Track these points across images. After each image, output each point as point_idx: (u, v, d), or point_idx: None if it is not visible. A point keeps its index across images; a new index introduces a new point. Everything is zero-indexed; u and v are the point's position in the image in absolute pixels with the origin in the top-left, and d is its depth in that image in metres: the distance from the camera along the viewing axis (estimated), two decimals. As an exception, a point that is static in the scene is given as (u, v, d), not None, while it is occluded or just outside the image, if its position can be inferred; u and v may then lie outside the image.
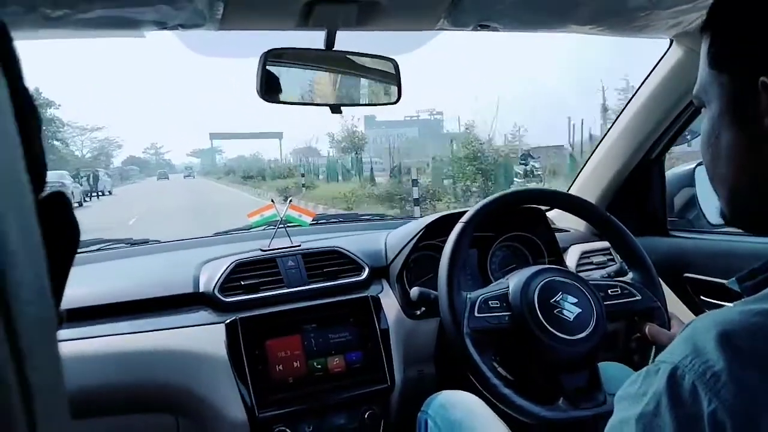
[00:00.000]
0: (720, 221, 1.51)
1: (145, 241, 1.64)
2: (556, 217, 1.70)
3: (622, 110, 1.54)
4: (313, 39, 0.95)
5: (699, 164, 1.60)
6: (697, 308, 1.48)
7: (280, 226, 1.44)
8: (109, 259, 1.50)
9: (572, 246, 1.62)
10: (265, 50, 0.90)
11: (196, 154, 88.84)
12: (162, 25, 0.86)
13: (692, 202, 1.62)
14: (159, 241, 1.68)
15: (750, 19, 0.51)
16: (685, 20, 1.06)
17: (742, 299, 0.51)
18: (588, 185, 1.67)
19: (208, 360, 1.19)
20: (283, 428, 1.21)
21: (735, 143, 0.53)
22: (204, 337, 1.22)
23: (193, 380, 1.19)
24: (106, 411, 1.17)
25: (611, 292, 1.16)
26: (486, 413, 1.08)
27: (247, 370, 1.19)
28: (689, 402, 0.43)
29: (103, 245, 1.57)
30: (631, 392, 0.49)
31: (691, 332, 0.47)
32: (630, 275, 1.20)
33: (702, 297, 1.47)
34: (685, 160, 1.72)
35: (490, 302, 1.08)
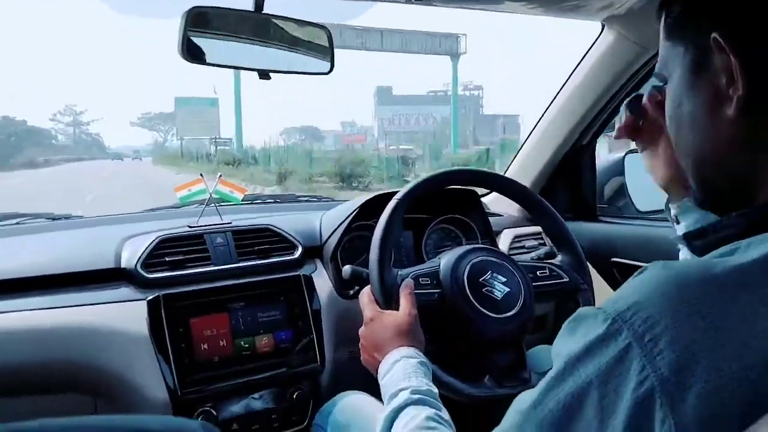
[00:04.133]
0: (648, 208, 1.58)
1: (68, 216, 1.56)
2: (491, 201, 1.72)
3: (556, 94, 1.56)
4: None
5: (629, 152, 1.65)
6: (622, 291, 1.53)
7: (210, 204, 1.39)
8: (27, 233, 1.41)
9: (505, 230, 1.64)
10: (188, 8, 0.85)
11: (147, 123, 70.28)
12: None
13: (621, 189, 1.67)
14: (82, 217, 1.59)
15: None
16: (615, 2, 1.08)
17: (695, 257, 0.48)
18: (522, 169, 1.70)
19: (128, 338, 1.14)
20: (208, 409, 1.17)
21: (695, 105, 0.52)
22: (125, 314, 1.16)
23: (111, 359, 1.13)
24: (19, 391, 1.11)
25: (540, 273, 1.17)
26: (377, 411, 1.08)
27: (169, 348, 1.14)
28: (620, 361, 0.40)
29: (21, 219, 1.48)
30: (568, 328, 0.46)
31: (640, 280, 0.44)
32: (559, 257, 1.22)
33: (628, 281, 1.51)
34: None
35: (420, 279, 1.08)
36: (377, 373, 0.91)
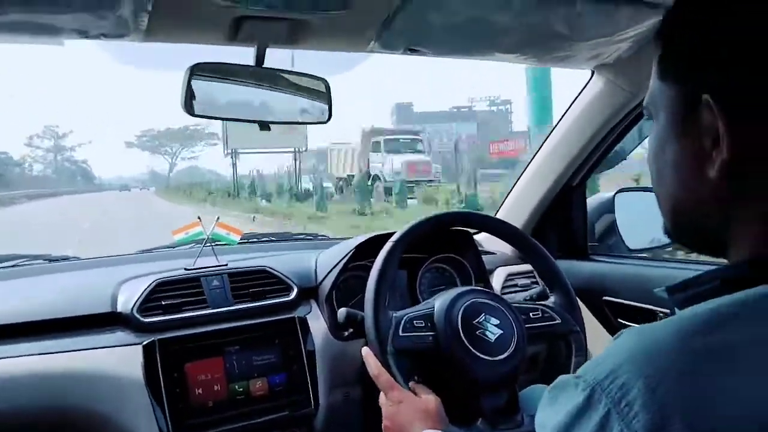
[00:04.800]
0: (638, 246, 1.60)
1: (65, 258, 1.56)
2: (484, 239, 1.74)
3: (547, 137, 1.60)
4: (243, 53, 0.95)
5: (619, 191, 1.68)
6: (615, 330, 1.54)
7: (207, 244, 1.40)
8: (23, 276, 1.41)
9: (498, 268, 1.66)
10: (192, 64, 0.88)
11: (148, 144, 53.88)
12: (83, 34, 0.83)
13: (612, 228, 1.69)
14: (79, 258, 1.60)
15: (699, 35, 0.51)
16: (604, 52, 1.12)
17: (670, 315, 0.49)
18: (514, 209, 1.72)
19: (123, 383, 1.14)
20: None
21: (678, 157, 0.53)
22: (120, 359, 1.16)
23: (106, 404, 1.13)
24: None
25: (533, 315, 1.19)
26: None
27: (164, 393, 1.14)
28: (602, 429, 0.42)
29: (19, 261, 1.48)
30: (550, 398, 0.48)
31: (615, 348, 0.46)
32: (551, 299, 1.24)
33: (620, 320, 1.53)
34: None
35: (414, 322, 1.09)
36: None
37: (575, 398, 0.44)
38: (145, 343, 1.17)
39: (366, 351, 1.03)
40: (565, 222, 1.70)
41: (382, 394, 1.00)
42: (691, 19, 0.52)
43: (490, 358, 1.06)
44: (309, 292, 1.42)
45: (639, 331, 0.46)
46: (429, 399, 0.96)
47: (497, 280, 1.63)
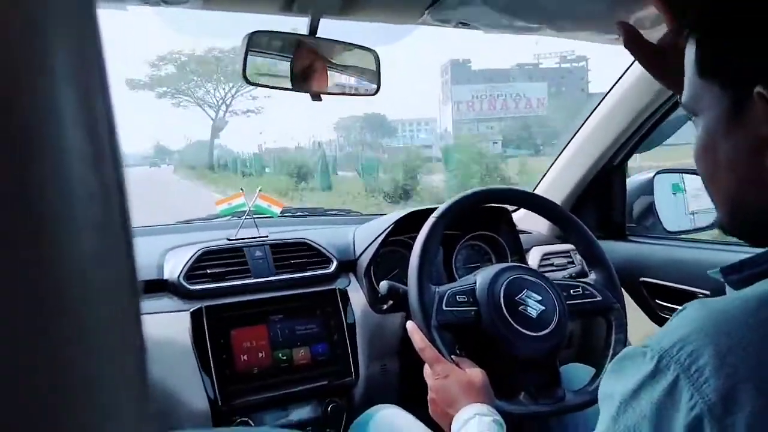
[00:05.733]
0: (676, 228, 1.59)
1: None
2: (520, 218, 1.73)
3: (588, 116, 1.58)
4: (296, 26, 0.95)
5: (658, 173, 1.66)
6: (652, 311, 1.54)
7: (247, 216, 1.42)
8: None
9: (534, 247, 1.66)
10: (249, 32, 0.89)
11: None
12: (145, 0, 0.84)
13: (650, 209, 1.68)
14: None
15: (745, 26, 0.50)
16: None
17: (733, 292, 0.50)
18: (553, 188, 1.71)
19: (171, 347, 1.17)
20: (245, 419, 1.19)
21: (735, 153, 0.52)
22: (168, 324, 1.19)
23: (154, 368, 1.15)
24: None
25: (573, 291, 1.19)
26: (410, 424, 1.09)
27: (211, 359, 1.17)
28: (670, 394, 0.43)
29: None
30: (617, 369, 0.49)
31: (681, 319, 0.46)
32: (591, 276, 1.24)
33: (657, 300, 1.52)
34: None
35: (457, 297, 1.09)
36: (449, 429, 0.91)
37: (643, 366, 0.45)
38: (192, 309, 1.20)
39: (411, 325, 1.04)
40: (604, 202, 1.69)
41: (426, 367, 1.01)
42: (735, 11, 0.51)
43: (532, 334, 1.07)
44: (348, 265, 1.44)
45: (704, 303, 0.47)
46: (475, 372, 0.97)
47: (533, 259, 1.63)
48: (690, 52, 0.55)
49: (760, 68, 0.48)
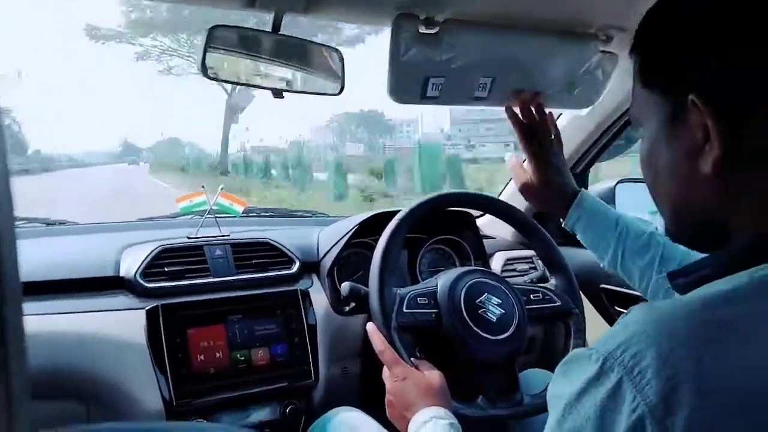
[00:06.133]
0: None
1: (63, 222, 1.56)
2: (484, 224, 1.75)
3: (553, 124, 1.60)
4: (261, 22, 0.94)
5: (620, 181, 1.69)
6: (611, 318, 1.56)
7: (208, 215, 1.40)
8: (21, 238, 1.40)
9: (497, 252, 1.67)
10: (209, 26, 0.88)
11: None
12: None
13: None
14: (77, 223, 1.59)
15: (674, 38, 0.52)
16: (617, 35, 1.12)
17: (675, 296, 0.51)
18: (517, 194, 1.72)
19: (125, 346, 1.14)
20: (201, 419, 1.17)
21: (672, 160, 0.54)
22: (123, 322, 1.17)
23: (107, 366, 1.13)
24: None
25: (533, 296, 1.20)
26: (369, 427, 1.09)
27: (166, 358, 1.15)
28: (613, 396, 0.43)
29: (16, 222, 1.47)
30: (563, 371, 0.49)
31: (626, 322, 0.47)
32: (552, 281, 1.25)
33: (616, 307, 1.55)
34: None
35: (418, 299, 1.10)
36: (405, 431, 0.91)
37: (588, 369, 0.46)
38: (148, 307, 1.17)
39: (371, 327, 1.04)
40: (566, 209, 1.71)
41: (385, 369, 1.01)
42: (667, 24, 0.54)
43: (491, 337, 1.07)
44: (311, 266, 1.43)
45: (648, 306, 0.48)
46: (433, 375, 0.97)
47: (496, 263, 1.64)
48: (635, 66, 0.57)
49: (692, 77, 0.51)
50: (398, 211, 1.19)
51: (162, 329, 1.16)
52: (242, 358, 1.22)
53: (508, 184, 1.77)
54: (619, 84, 1.20)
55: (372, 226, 1.40)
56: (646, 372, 0.42)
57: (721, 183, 0.51)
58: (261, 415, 1.25)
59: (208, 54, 0.88)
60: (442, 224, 1.57)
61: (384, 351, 1.00)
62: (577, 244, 1.70)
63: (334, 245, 1.43)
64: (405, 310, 1.07)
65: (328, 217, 1.84)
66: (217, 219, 1.41)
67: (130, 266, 1.24)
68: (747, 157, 0.49)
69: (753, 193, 0.50)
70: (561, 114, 1.56)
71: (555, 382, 0.50)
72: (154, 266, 1.25)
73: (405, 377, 0.96)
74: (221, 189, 1.42)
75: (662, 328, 0.44)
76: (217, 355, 1.20)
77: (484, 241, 1.63)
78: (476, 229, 1.61)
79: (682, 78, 0.52)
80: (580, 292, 1.26)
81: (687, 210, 0.55)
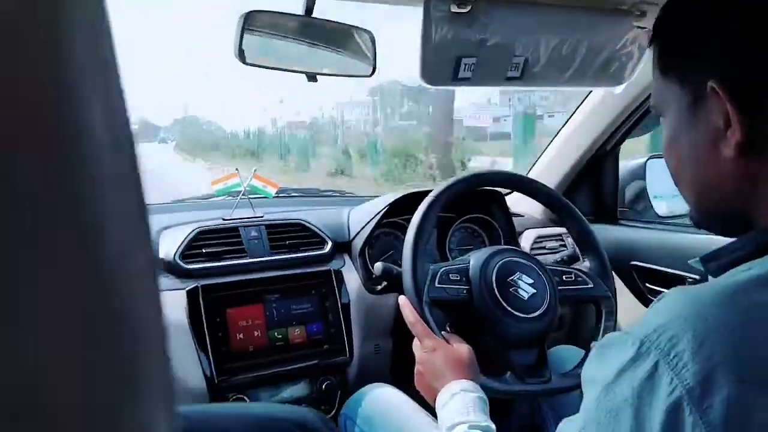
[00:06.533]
0: (667, 213, 1.61)
1: None
2: (513, 201, 1.75)
3: (582, 102, 1.59)
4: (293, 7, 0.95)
5: (651, 157, 1.67)
6: (642, 294, 1.56)
7: (242, 197, 1.43)
8: None
9: (527, 230, 1.67)
10: (244, 11, 0.89)
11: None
12: None
13: (642, 193, 1.70)
14: None
15: (692, 26, 0.53)
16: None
17: (701, 281, 0.53)
18: (546, 171, 1.72)
19: (168, 326, 1.18)
20: (241, 396, 1.21)
21: (695, 148, 0.55)
22: (164, 303, 1.20)
23: None
24: None
25: (565, 278, 1.20)
26: (402, 403, 1.11)
27: (207, 337, 1.18)
28: (650, 378, 0.44)
29: None
30: (599, 354, 0.50)
31: (662, 305, 0.48)
32: (585, 263, 1.25)
33: (647, 284, 1.54)
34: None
35: (450, 275, 1.11)
36: (434, 402, 0.93)
37: (624, 352, 0.46)
38: (188, 288, 1.21)
39: (403, 300, 1.05)
40: (596, 186, 1.71)
41: (415, 341, 1.02)
42: (686, 12, 0.54)
43: (522, 315, 1.08)
44: (342, 246, 1.45)
45: (683, 290, 0.49)
46: (463, 348, 0.98)
47: (526, 242, 1.64)
48: (654, 56, 0.58)
49: (711, 63, 0.51)
50: (429, 192, 1.19)
51: (202, 309, 1.19)
52: (279, 336, 1.26)
53: (537, 161, 1.77)
54: (648, 64, 1.18)
55: (402, 205, 1.41)
56: (683, 355, 0.43)
57: (744, 168, 0.51)
58: (297, 391, 1.29)
59: (243, 39, 0.89)
60: (472, 203, 1.57)
61: (415, 323, 1.02)
62: (608, 220, 1.72)
63: (365, 225, 1.45)
64: (437, 285, 1.09)
65: (359, 196, 1.86)
66: (251, 200, 1.44)
67: (168, 248, 1.27)
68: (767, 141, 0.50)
69: None
70: (591, 91, 1.55)
71: (590, 365, 0.51)
72: (193, 247, 1.28)
73: (435, 349, 0.98)
74: (255, 171, 1.44)
75: (698, 312, 0.45)
76: (256, 333, 1.24)
77: (514, 219, 1.63)
78: (506, 207, 1.61)
79: (700, 65, 0.52)
80: (612, 272, 1.26)
81: (710, 196, 0.56)
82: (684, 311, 0.45)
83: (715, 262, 0.53)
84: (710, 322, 0.44)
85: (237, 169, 1.43)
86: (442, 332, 1.03)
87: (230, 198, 1.50)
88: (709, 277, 0.55)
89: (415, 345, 1.03)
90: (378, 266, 1.21)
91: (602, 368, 0.48)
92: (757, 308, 0.44)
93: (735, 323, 0.44)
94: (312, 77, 0.98)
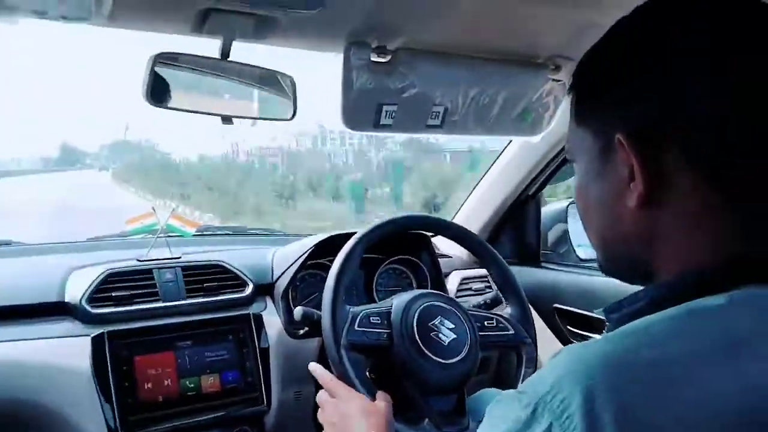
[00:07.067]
0: (589, 257, 1.65)
1: (7, 243, 1.50)
2: (440, 242, 1.76)
3: (506, 147, 1.63)
4: (209, 44, 0.93)
5: (572, 202, 1.73)
6: (564, 337, 1.58)
7: (159, 235, 1.37)
8: None
9: (454, 271, 1.68)
10: (155, 53, 0.86)
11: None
12: (42, 15, 0.79)
13: (564, 236, 1.74)
14: (23, 243, 1.53)
15: (603, 80, 0.55)
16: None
17: (605, 333, 0.52)
18: (471, 216, 1.75)
19: (69, 375, 1.11)
20: None
21: (601, 194, 0.56)
22: (67, 350, 1.13)
23: (50, 396, 1.09)
24: None
25: (487, 323, 1.20)
26: None
27: (112, 387, 1.12)
28: None
29: None
30: (493, 414, 0.49)
31: (556, 363, 0.48)
32: (507, 310, 1.25)
33: (569, 327, 1.57)
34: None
35: (371, 318, 1.09)
36: None
37: (519, 413, 0.46)
38: (93, 334, 1.14)
39: (313, 366, 1.04)
40: (519, 229, 1.74)
41: (322, 393, 0.99)
42: (598, 66, 0.57)
43: (442, 361, 1.08)
44: (265, 288, 1.41)
45: (577, 347, 0.49)
46: (380, 402, 0.95)
47: (452, 282, 1.65)
48: (570, 105, 0.60)
49: (619, 117, 0.53)
50: (354, 233, 1.18)
51: (108, 357, 1.13)
52: (192, 386, 1.20)
53: (463, 205, 1.79)
54: (566, 114, 1.22)
55: (328, 247, 1.39)
56: (573, 417, 0.42)
57: (645, 220, 0.52)
58: None
59: (153, 80, 0.86)
60: (399, 244, 1.57)
61: (328, 380, 0.99)
62: (531, 263, 1.75)
63: (289, 267, 1.41)
64: (357, 328, 1.07)
65: (286, 235, 1.82)
66: (168, 240, 1.38)
67: (76, 291, 1.20)
68: (668, 197, 0.51)
69: (673, 231, 0.52)
70: (511, 140, 1.59)
71: (485, 424, 0.50)
72: (101, 291, 1.21)
73: (350, 400, 0.95)
74: (172, 210, 1.39)
75: (588, 373, 0.45)
76: (166, 382, 1.17)
77: (441, 260, 1.64)
78: (432, 249, 1.62)
79: (610, 117, 0.54)
80: (533, 312, 1.27)
81: (615, 244, 0.57)
82: (575, 369, 0.45)
83: (617, 314, 0.54)
84: (598, 380, 0.44)
85: (153, 208, 1.38)
86: (362, 383, 1.00)
87: (148, 237, 1.44)
88: (606, 331, 0.54)
89: (322, 396, 0.99)
90: (298, 311, 1.18)
91: (495, 429, 0.47)
92: (650, 365, 0.45)
93: (621, 381, 0.44)
94: (228, 120, 0.96)
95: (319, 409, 0.98)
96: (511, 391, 0.49)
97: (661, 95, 0.51)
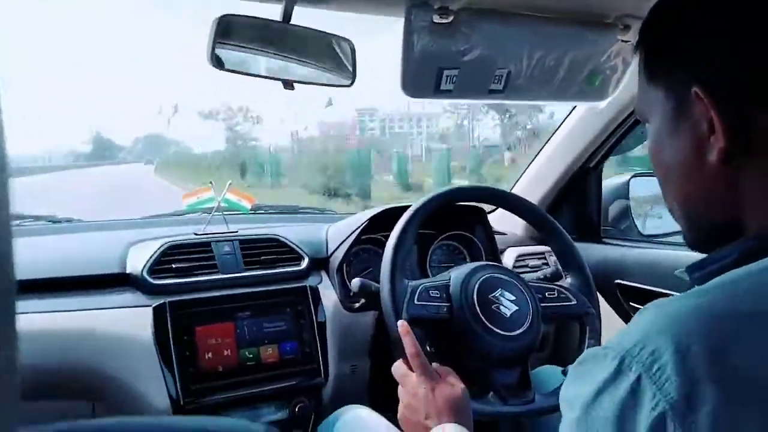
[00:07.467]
0: (651, 232, 1.59)
1: (69, 220, 1.54)
2: (495, 219, 1.72)
3: (566, 117, 1.58)
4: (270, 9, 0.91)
5: (634, 176, 1.66)
6: (626, 314, 1.53)
7: (216, 212, 1.38)
8: (28, 236, 1.39)
9: (509, 248, 1.64)
10: (218, 16, 0.85)
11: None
12: None
13: (625, 213, 1.68)
14: (83, 221, 1.57)
15: (676, 32, 0.53)
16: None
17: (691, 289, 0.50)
18: (530, 187, 1.70)
19: (132, 344, 1.13)
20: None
21: (679, 153, 0.54)
22: (129, 320, 1.15)
23: (114, 364, 1.12)
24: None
25: (548, 294, 1.17)
26: (379, 426, 1.06)
27: (173, 356, 1.13)
28: (632, 394, 0.42)
29: (21, 221, 1.45)
30: (578, 372, 0.48)
31: (642, 319, 0.46)
32: (568, 280, 1.22)
33: (631, 303, 1.52)
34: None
35: (431, 291, 1.07)
36: None
37: (604, 368, 0.44)
38: (155, 305, 1.16)
39: (403, 327, 0.95)
40: (579, 203, 1.69)
41: (398, 366, 0.95)
42: (670, 19, 0.55)
43: (504, 333, 1.05)
44: (320, 262, 1.41)
45: (661, 303, 0.47)
46: (458, 389, 0.90)
47: (507, 260, 1.61)
48: (640, 63, 0.58)
49: (695, 70, 0.51)
50: (408, 206, 1.16)
51: (169, 327, 1.14)
52: (251, 356, 1.20)
53: (521, 177, 1.75)
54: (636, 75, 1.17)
55: (382, 221, 1.38)
56: (665, 368, 0.41)
57: (729, 175, 0.51)
58: (269, 413, 1.23)
59: (216, 44, 0.85)
60: (453, 220, 1.54)
61: (416, 355, 0.92)
62: (592, 239, 1.69)
63: (343, 241, 1.41)
64: (416, 302, 1.05)
65: (337, 214, 1.82)
66: (225, 216, 1.39)
67: (136, 263, 1.22)
68: (753, 149, 0.49)
69: (762, 181, 0.50)
70: (575, 107, 1.53)
71: (569, 384, 0.49)
72: (162, 263, 1.23)
73: (433, 387, 0.90)
74: (229, 185, 1.40)
75: (679, 324, 0.43)
76: (226, 352, 1.18)
77: (496, 236, 1.60)
78: (488, 224, 1.58)
79: (684, 70, 0.52)
80: (596, 291, 1.23)
81: (698, 205, 0.55)
82: (664, 325, 0.44)
83: (701, 272, 0.53)
84: (692, 334, 0.42)
85: (210, 182, 1.38)
86: (435, 364, 0.96)
87: (206, 214, 1.45)
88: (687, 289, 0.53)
89: (398, 370, 0.94)
90: (356, 283, 1.17)
91: (580, 387, 0.46)
92: (739, 317, 0.43)
93: (717, 334, 0.42)
94: (289, 85, 0.94)
95: (400, 386, 0.94)
96: (594, 348, 0.48)
97: (740, 45, 0.49)
